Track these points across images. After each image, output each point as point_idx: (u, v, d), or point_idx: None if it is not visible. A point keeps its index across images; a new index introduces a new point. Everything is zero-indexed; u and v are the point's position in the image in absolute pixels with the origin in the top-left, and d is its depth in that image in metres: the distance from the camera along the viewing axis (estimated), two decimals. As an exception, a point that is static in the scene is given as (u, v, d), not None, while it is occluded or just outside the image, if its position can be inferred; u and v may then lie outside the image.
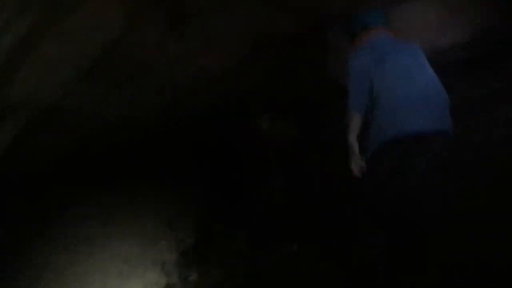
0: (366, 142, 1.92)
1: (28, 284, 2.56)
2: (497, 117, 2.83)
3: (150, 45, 2.19)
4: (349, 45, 2.21)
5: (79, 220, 3.01)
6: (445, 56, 3.32)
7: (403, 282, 1.81)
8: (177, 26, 2.27)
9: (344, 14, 2.74)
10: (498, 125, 2.77)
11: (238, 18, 2.61)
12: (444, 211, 2.08)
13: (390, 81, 1.88)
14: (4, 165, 2.19)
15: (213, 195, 3.54)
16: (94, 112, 2.66)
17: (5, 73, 1.75)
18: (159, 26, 2.15)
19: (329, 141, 3.12)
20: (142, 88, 2.61)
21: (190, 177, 3.60)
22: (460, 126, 2.03)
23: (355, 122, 1.94)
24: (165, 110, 3.23)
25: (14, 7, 1.51)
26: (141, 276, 2.77)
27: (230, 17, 2.55)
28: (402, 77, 1.88)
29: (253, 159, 3.81)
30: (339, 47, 3.06)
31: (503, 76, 3.12)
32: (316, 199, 3.10)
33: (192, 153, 3.81)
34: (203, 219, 3.29)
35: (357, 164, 1.91)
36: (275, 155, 3.67)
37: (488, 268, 1.85)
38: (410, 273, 1.80)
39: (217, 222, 3.26)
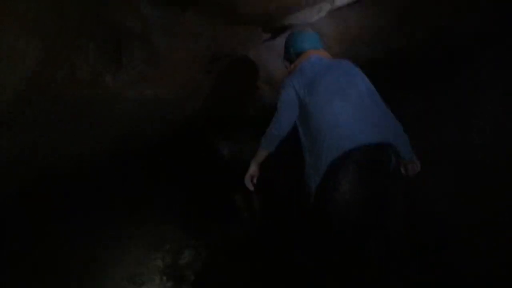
0: (310, 166, 1.89)
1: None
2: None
3: (82, 81, 1.86)
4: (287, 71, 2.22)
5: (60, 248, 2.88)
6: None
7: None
8: (114, 55, 1.98)
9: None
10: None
11: (185, 40, 2.35)
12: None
13: (325, 102, 1.88)
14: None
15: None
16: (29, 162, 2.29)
17: None
18: (91, 56, 1.83)
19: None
20: (83, 129, 2.24)
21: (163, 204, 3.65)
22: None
23: (262, 154, 2.05)
24: (118, 143, 2.88)
25: None
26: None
27: (176, 39, 2.29)
28: (336, 96, 1.88)
29: (221, 185, 3.82)
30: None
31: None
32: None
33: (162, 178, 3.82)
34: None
35: (248, 183, 2.07)
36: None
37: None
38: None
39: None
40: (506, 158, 2.42)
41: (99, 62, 1.88)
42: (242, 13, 2.25)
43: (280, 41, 2.90)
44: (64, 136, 2.05)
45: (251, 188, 2.07)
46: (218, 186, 4.11)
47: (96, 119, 2.14)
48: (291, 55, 2.18)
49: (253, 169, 2.06)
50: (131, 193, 4.04)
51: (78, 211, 3.36)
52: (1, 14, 1.46)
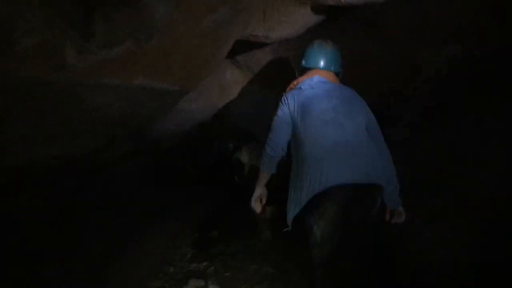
0: (291, 188, 1.82)
1: None
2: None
3: (21, 55, 1.20)
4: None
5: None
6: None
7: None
8: (78, 17, 1.30)
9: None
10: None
11: (195, 12, 1.66)
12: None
13: (316, 129, 1.80)
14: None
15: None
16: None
17: None
18: (38, 16, 1.17)
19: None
20: (35, 131, 1.57)
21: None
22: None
23: (265, 177, 1.96)
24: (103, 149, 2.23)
25: None
26: None
27: (182, 10, 1.60)
28: (330, 125, 1.79)
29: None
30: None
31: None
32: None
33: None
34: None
35: (255, 206, 1.98)
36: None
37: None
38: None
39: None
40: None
41: (52, 27, 1.20)
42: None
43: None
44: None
45: (258, 210, 1.99)
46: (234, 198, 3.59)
47: (51, 116, 1.47)
48: (302, 67, 2.06)
49: (258, 192, 1.97)
50: (131, 204, 3.48)
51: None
52: None
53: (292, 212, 1.76)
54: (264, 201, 1.98)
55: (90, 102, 1.55)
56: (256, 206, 1.97)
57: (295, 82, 2.03)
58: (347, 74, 2.17)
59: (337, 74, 2.05)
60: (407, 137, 3.13)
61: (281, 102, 1.94)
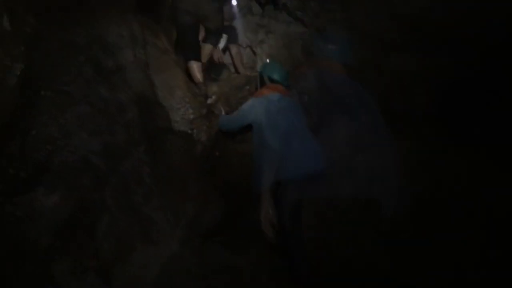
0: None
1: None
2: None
3: None
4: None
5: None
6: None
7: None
8: None
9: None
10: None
11: None
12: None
13: (331, 117, 1.99)
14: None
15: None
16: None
17: None
18: None
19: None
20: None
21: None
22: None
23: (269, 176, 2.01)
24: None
25: None
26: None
27: None
28: (344, 115, 1.98)
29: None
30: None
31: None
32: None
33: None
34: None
35: (268, 228, 2.04)
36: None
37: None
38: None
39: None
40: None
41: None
42: None
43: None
44: None
45: (270, 234, 1.88)
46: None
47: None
48: (317, 52, 2.18)
49: (264, 206, 1.84)
50: (148, 205, 3.26)
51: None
52: None
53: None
54: (275, 219, 1.89)
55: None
56: (267, 228, 1.90)
57: (306, 68, 2.13)
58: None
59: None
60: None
61: (296, 86, 2.14)
